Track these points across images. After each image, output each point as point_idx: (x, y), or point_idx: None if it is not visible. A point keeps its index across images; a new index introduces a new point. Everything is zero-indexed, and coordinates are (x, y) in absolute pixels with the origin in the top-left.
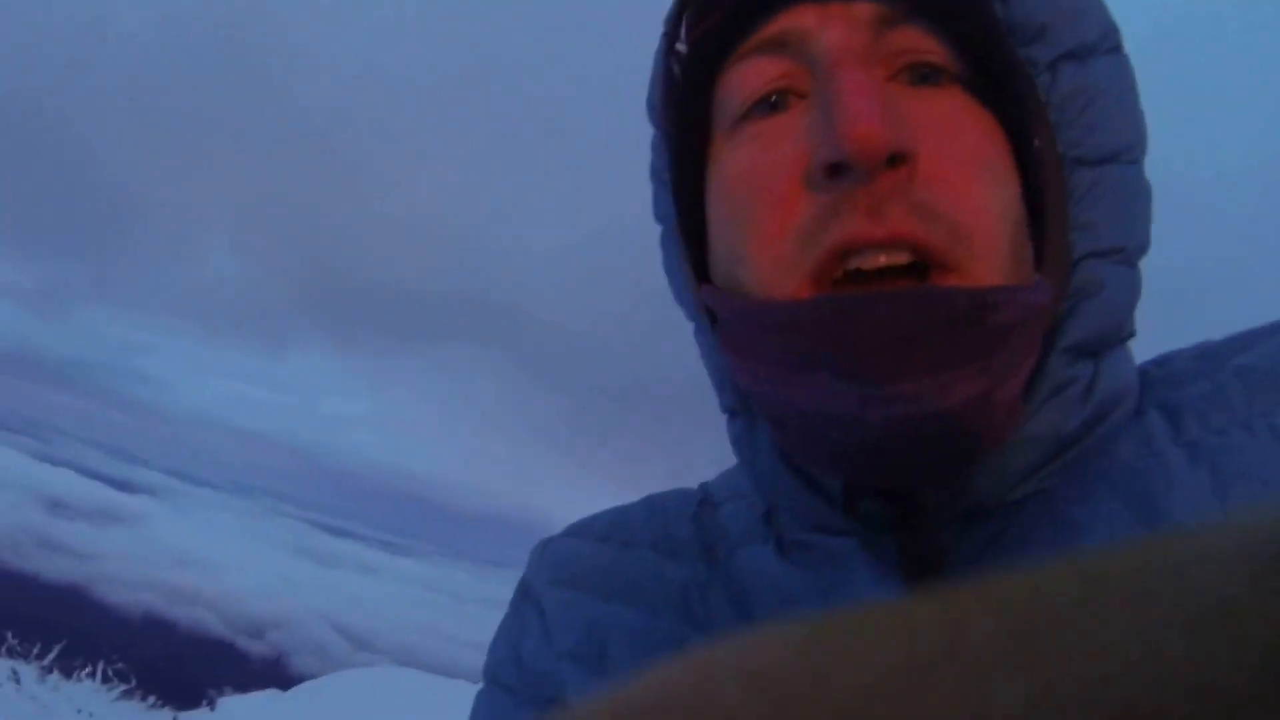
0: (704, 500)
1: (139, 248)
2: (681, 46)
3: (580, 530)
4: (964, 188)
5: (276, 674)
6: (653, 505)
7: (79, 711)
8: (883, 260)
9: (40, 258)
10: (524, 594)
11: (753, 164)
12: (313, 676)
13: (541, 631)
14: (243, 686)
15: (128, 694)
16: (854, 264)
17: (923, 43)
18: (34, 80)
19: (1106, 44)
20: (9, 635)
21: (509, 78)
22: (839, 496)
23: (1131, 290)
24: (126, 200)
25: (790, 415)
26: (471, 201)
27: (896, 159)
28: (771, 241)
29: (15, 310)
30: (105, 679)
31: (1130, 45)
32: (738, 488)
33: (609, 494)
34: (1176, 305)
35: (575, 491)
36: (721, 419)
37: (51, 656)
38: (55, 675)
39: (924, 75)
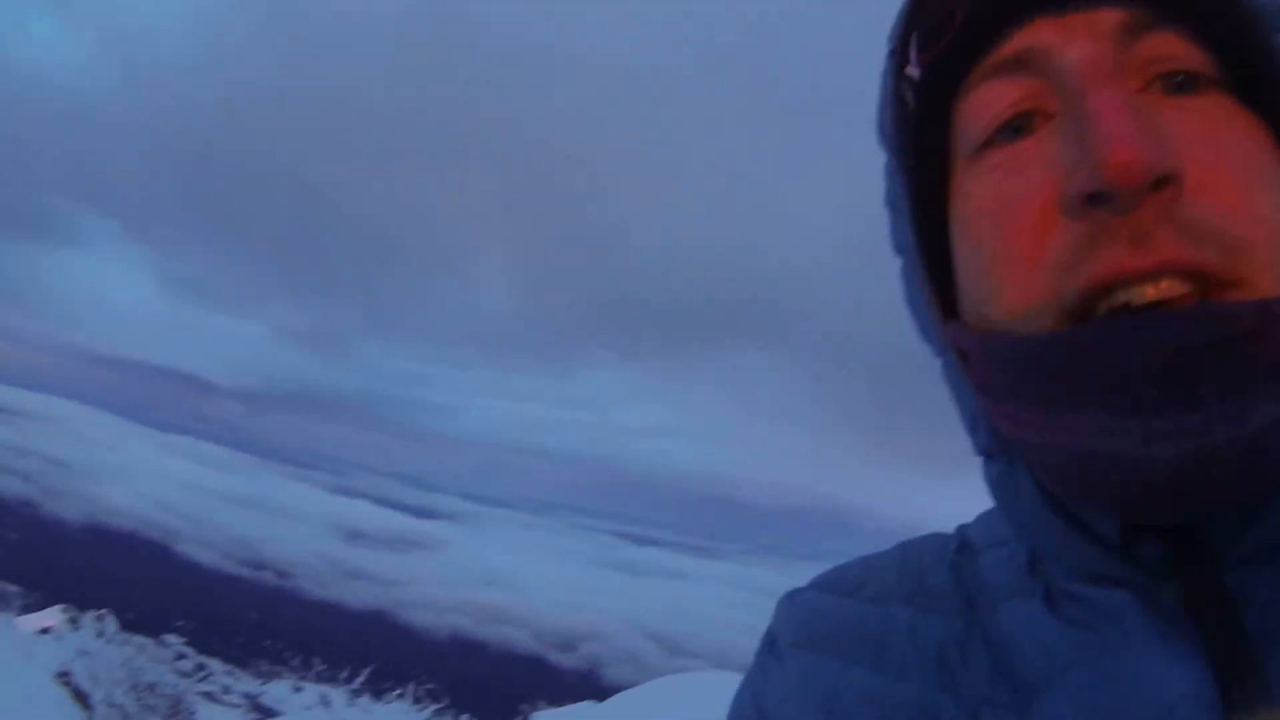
0: (962, 546)
1: (412, 282)
2: (913, 71)
3: (828, 583)
4: (1237, 200)
5: (591, 686)
6: (906, 553)
7: None
8: (1150, 293)
9: (316, 299)
10: (769, 647)
11: (1000, 193)
12: (628, 686)
13: (784, 692)
14: (557, 700)
15: (439, 713)
16: (1119, 299)
17: (1174, 49)
18: (295, 124)
19: None
20: (316, 662)
21: (765, 87)
22: (1115, 541)
23: None
24: (395, 237)
25: (1059, 458)
26: (742, 211)
27: (1162, 182)
28: (1024, 275)
29: (299, 352)
30: (416, 700)
31: None
32: (998, 534)
33: (909, 477)
34: None
35: (875, 477)
36: None
37: (360, 680)
38: (365, 698)
39: (1179, 84)
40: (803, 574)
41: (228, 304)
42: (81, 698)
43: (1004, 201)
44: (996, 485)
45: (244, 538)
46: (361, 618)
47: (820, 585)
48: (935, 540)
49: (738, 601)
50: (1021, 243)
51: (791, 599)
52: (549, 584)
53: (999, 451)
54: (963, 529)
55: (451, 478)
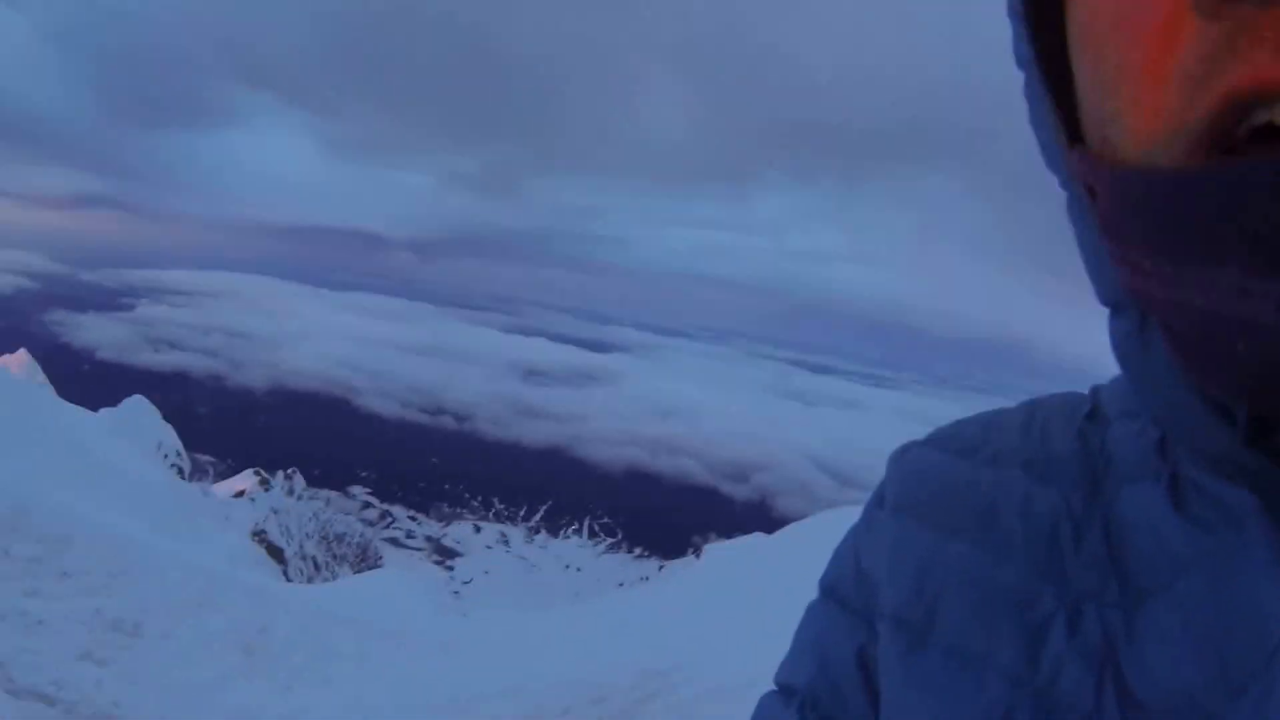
0: (1093, 413)
1: (579, 115)
2: None
3: (944, 441)
4: None
5: (762, 517)
6: (1033, 414)
7: (566, 567)
8: None
9: (481, 142)
10: (878, 501)
11: None
12: (799, 518)
13: (880, 555)
14: (728, 532)
15: (614, 547)
16: (1261, 118)
17: None
18: None
19: None
20: (495, 501)
21: None
22: (1243, 426)
23: None
24: (558, 71)
25: (1184, 319)
26: (927, 22)
27: None
28: (1149, 88)
29: (467, 196)
30: (591, 534)
31: None
32: (1132, 403)
33: (1093, 316)
34: None
35: (1057, 312)
36: None
37: (538, 517)
38: (542, 535)
39: None
40: (977, 406)
41: (391, 157)
42: (276, 552)
43: (1125, 0)
44: (1123, 344)
45: (423, 385)
46: (539, 455)
47: (935, 442)
48: (1067, 402)
49: (911, 433)
50: (1146, 51)
51: (904, 454)
52: (723, 414)
53: (1129, 304)
54: (1096, 391)
55: (626, 309)
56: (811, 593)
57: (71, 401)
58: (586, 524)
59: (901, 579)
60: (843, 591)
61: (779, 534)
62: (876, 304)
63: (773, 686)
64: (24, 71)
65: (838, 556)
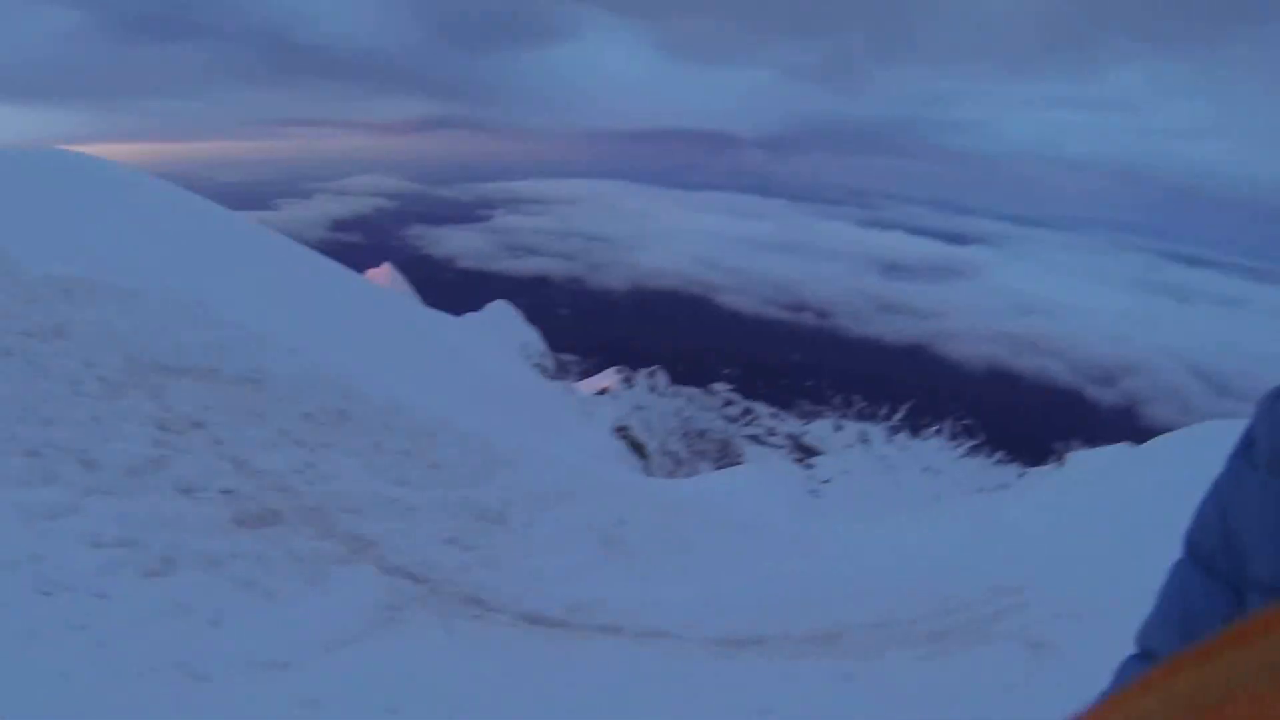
0: None
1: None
2: None
3: None
4: None
5: (1128, 425)
6: None
7: (925, 469)
8: None
9: (821, 33)
10: (1245, 450)
11: None
12: (1170, 429)
13: (1251, 516)
14: (1092, 440)
15: (974, 450)
16: None
17: None
18: None
19: None
20: (856, 399)
21: None
22: None
23: None
24: None
25: None
26: None
27: None
28: None
29: (813, 90)
30: (952, 436)
31: None
32: None
33: None
34: None
35: None
36: None
37: (899, 417)
38: (903, 435)
39: None
40: None
41: (732, 56)
42: (638, 447)
43: None
44: None
45: (782, 282)
46: (899, 352)
47: None
48: None
49: None
50: None
51: (1275, 402)
52: (1088, 311)
53: None
54: None
55: (982, 199)
56: (1181, 516)
57: (436, 309)
58: (948, 425)
59: (1269, 546)
60: (1207, 553)
61: (1148, 445)
62: (1257, 185)
63: (1133, 650)
64: (365, 10)
65: (1201, 513)
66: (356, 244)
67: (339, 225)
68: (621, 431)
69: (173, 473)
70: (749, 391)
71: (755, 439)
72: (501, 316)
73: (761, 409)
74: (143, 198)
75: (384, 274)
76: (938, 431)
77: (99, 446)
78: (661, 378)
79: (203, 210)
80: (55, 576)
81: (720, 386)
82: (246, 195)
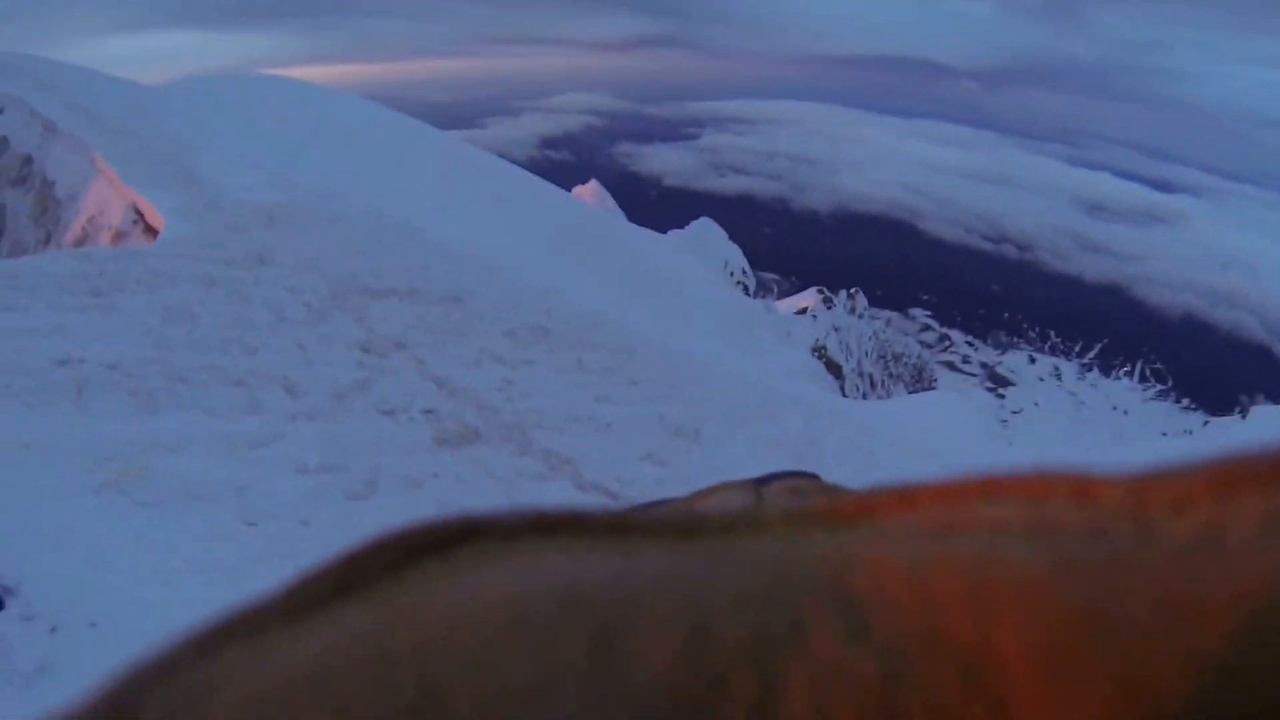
0: None
1: None
2: None
3: None
4: None
5: None
6: None
7: (1114, 409)
8: None
9: None
10: None
11: None
12: None
13: None
14: (1277, 396)
15: (1162, 394)
16: None
17: None
18: None
19: None
20: (1052, 334)
21: None
22: None
23: None
24: None
25: None
26: None
27: None
28: None
29: (1031, 24)
30: (1142, 378)
31: None
32: None
33: None
34: None
35: None
36: None
37: (1091, 355)
38: (1094, 373)
39: None
40: None
41: None
42: (834, 368)
43: None
44: None
45: (986, 213)
46: (1097, 292)
47: None
48: None
49: None
50: None
51: None
52: None
53: None
54: None
55: (1193, 150)
56: None
57: (641, 225)
58: (1139, 367)
59: None
60: None
61: None
62: None
63: None
64: None
65: None
66: (564, 161)
67: (547, 143)
68: (819, 351)
69: (375, 395)
70: (946, 319)
71: (950, 365)
72: (705, 234)
73: (957, 336)
74: (348, 120)
75: (590, 191)
76: (1128, 373)
77: (302, 372)
78: (860, 300)
79: (409, 131)
80: (261, 505)
81: (918, 312)
82: (455, 114)
